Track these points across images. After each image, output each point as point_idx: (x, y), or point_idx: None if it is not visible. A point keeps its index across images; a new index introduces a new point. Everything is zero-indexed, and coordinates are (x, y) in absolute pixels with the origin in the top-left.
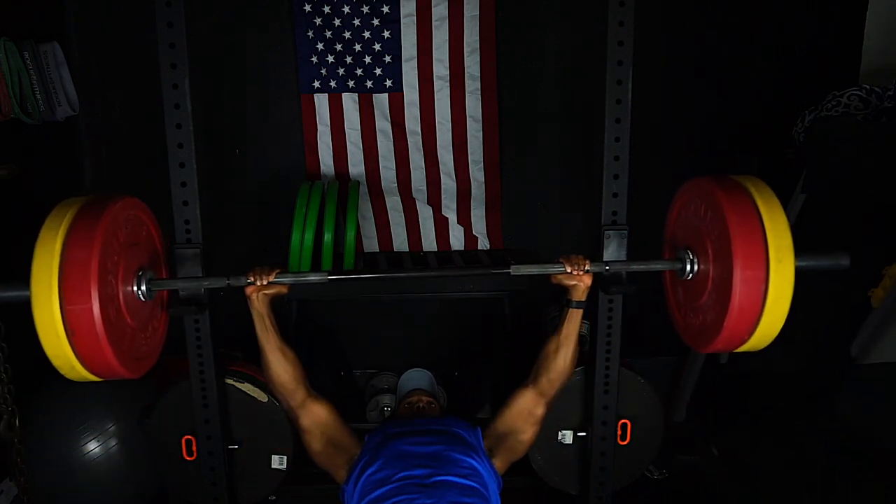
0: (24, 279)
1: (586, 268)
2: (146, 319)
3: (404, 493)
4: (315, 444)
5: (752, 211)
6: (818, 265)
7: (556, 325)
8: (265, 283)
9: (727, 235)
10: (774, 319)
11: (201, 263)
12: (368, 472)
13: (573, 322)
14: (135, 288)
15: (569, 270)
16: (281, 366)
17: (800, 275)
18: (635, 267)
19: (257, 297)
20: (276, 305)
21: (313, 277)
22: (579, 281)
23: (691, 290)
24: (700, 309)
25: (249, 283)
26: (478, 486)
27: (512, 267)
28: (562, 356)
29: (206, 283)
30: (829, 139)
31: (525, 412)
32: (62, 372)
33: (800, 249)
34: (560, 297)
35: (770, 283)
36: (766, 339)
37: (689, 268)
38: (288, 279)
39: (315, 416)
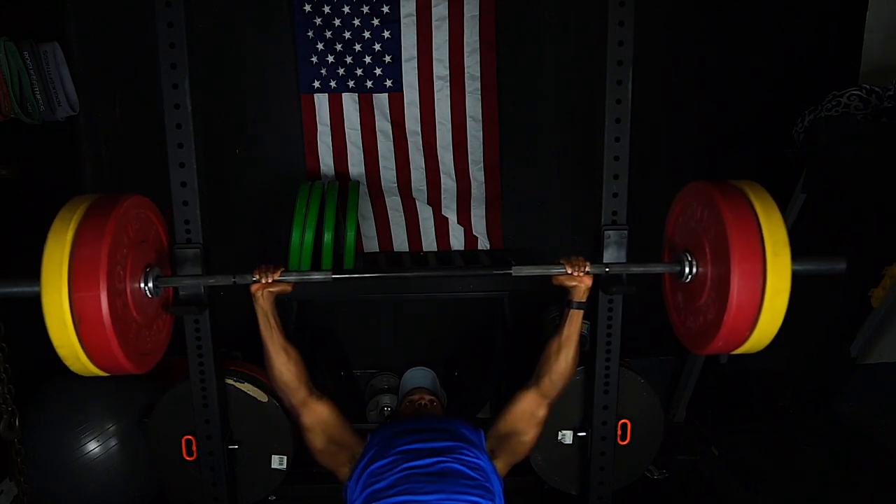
0: (32, 275)
1: (586, 269)
2: (152, 317)
3: (409, 482)
4: (317, 442)
5: (748, 209)
6: (815, 269)
7: (556, 325)
8: (270, 280)
9: (724, 234)
10: (773, 315)
11: (201, 263)
12: (373, 467)
13: (574, 323)
14: (142, 284)
15: (569, 271)
16: (284, 364)
17: (798, 278)
18: (635, 269)
19: (262, 294)
20: (277, 306)
21: (317, 276)
22: (579, 282)
23: (690, 293)
24: (699, 310)
25: (255, 281)
26: (483, 480)
27: (513, 268)
28: (563, 357)
29: (212, 280)
30: (829, 139)
31: (527, 413)
32: (67, 363)
33: (797, 253)
34: (561, 297)
35: (767, 277)
36: (766, 336)
37: (687, 270)
38: (292, 277)
39: (317, 414)
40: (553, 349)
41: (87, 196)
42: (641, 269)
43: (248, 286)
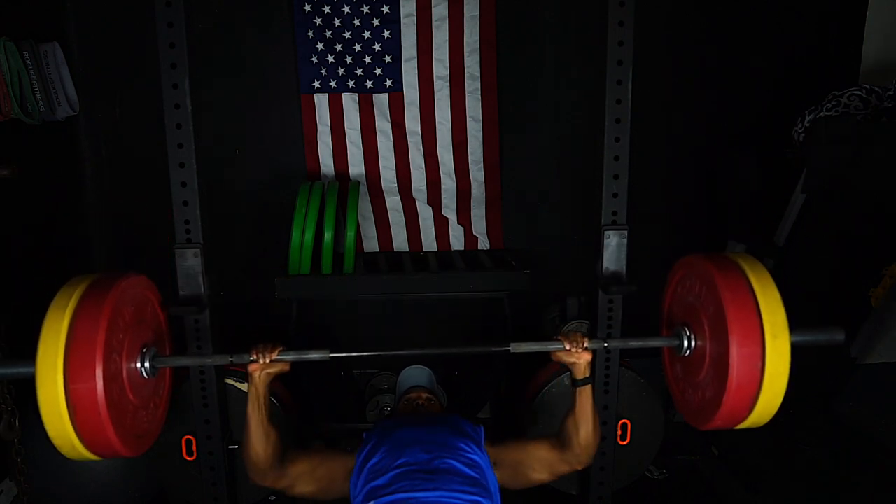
0: (30, 355)
1: (585, 345)
2: (148, 396)
3: (406, 480)
4: (304, 488)
5: (746, 288)
6: (814, 340)
7: (556, 326)
8: (268, 360)
9: (722, 313)
10: (773, 396)
11: (201, 263)
12: (371, 461)
13: (584, 399)
14: (138, 365)
15: (567, 348)
16: (261, 445)
17: (796, 349)
18: (633, 343)
19: (259, 376)
20: (278, 306)
21: (314, 355)
22: (578, 359)
23: (689, 367)
24: (698, 385)
25: (252, 361)
26: (480, 478)
27: (512, 345)
28: (583, 433)
29: (210, 360)
30: (829, 139)
31: (544, 462)
32: (62, 451)
33: (795, 325)
34: (561, 300)
35: (767, 360)
36: (766, 416)
37: (686, 344)
38: (290, 357)
39: (294, 474)
40: (571, 426)
41: (83, 278)
42: (639, 343)
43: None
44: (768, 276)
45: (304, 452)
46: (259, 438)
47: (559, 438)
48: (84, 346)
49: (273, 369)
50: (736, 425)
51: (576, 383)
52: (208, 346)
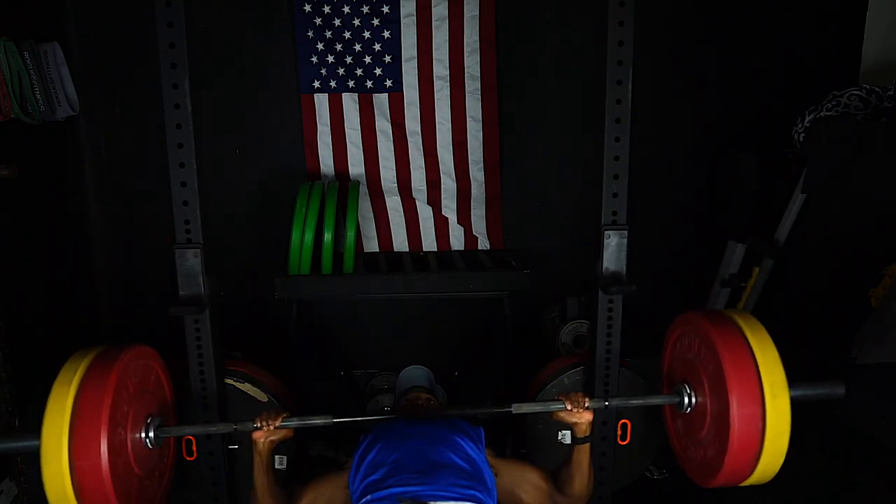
0: (34, 431)
1: (586, 405)
2: (153, 466)
3: (403, 473)
4: None
5: (745, 347)
6: (814, 394)
7: (556, 326)
8: (272, 427)
9: (721, 373)
10: (774, 455)
11: (201, 263)
12: (368, 457)
13: (583, 456)
14: (143, 435)
15: (569, 407)
16: None
17: (797, 406)
18: (634, 402)
19: (263, 442)
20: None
21: (317, 420)
22: (579, 418)
23: (691, 423)
24: (700, 443)
25: (256, 428)
26: (476, 472)
27: (513, 406)
28: (577, 485)
29: (214, 429)
30: (829, 139)
31: (540, 490)
32: None
33: (794, 380)
34: (561, 300)
35: (767, 420)
36: (769, 474)
37: (686, 401)
38: (293, 423)
39: None
40: (566, 476)
41: (88, 351)
42: (640, 401)
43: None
44: (766, 334)
45: (302, 491)
46: (266, 500)
47: (556, 478)
48: (89, 423)
49: (276, 436)
50: (739, 483)
51: (575, 441)
52: (209, 346)
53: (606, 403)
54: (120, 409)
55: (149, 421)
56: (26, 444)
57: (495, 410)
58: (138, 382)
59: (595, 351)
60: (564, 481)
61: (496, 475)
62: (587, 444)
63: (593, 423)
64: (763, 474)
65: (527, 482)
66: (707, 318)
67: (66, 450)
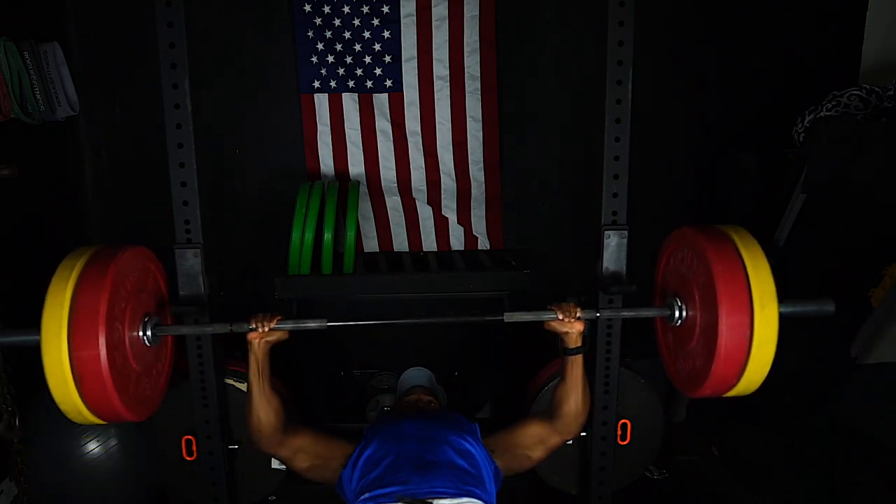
0: (34, 323)
1: (577, 315)
2: (151, 364)
3: (400, 471)
4: (302, 463)
5: (736, 258)
6: (803, 311)
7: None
8: (267, 329)
9: (712, 283)
10: (760, 364)
11: (201, 263)
12: (367, 454)
13: (575, 368)
14: (140, 333)
15: (560, 317)
16: (263, 411)
17: (785, 321)
18: (626, 314)
19: (259, 343)
20: (278, 306)
21: (312, 324)
22: (571, 328)
23: (681, 336)
24: (689, 354)
25: (252, 329)
26: (473, 469)
27: (505, 314)
28: (573, 402)
29: (209, 328)
30: (829, 139)
31: (536, 438)
32: (69, 416)
33: (784, 296)
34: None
35: (755, 329)
36: (754, 384)
37: (677, 314)
38: (288, 325)
39: (295, 446)
40: (561, 396)
41: (86, 248)
42: (632, 313)
43: (245, 330)
44: (758, 247)
45: (308, 427)
46: (261, 405)
47: (548, 411)
48: (87, 315)
49: (272, 337)
50: (724, 393)
51: (567, 352)
52: (209, 346)
53: (598, 314)
54: (118, 304)
55: (146, 319)
56: (26, 338)
57: (487, 318)
58: (136, 281)
59: (595, 351)
60: (560, 402)
61: (496, 454)
62: (580, 356)
63: (583, 334)
64: (748, 384)
65: (524, 438)
66: (702, 231)
67: (65, 340)
